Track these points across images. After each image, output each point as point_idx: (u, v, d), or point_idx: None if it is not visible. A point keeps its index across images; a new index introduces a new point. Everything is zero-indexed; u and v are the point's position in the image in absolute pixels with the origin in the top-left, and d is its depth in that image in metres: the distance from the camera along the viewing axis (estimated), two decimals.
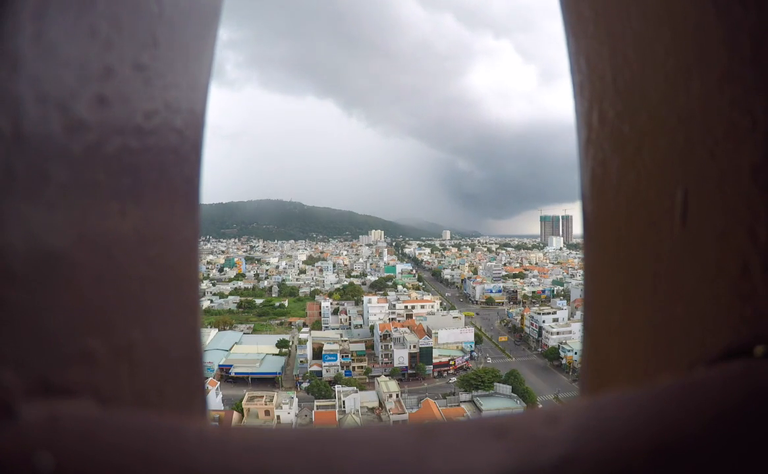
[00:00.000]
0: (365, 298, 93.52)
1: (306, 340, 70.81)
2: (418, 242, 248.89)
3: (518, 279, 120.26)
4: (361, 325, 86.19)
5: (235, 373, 67.76)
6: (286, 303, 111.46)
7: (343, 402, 53.62)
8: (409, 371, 70.98)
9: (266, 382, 66.40)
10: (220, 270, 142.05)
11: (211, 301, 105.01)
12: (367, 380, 66.99)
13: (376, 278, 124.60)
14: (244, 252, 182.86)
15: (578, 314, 67.52)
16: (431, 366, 71.63)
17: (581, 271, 1.11)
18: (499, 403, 54.79)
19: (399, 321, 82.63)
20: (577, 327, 71.49)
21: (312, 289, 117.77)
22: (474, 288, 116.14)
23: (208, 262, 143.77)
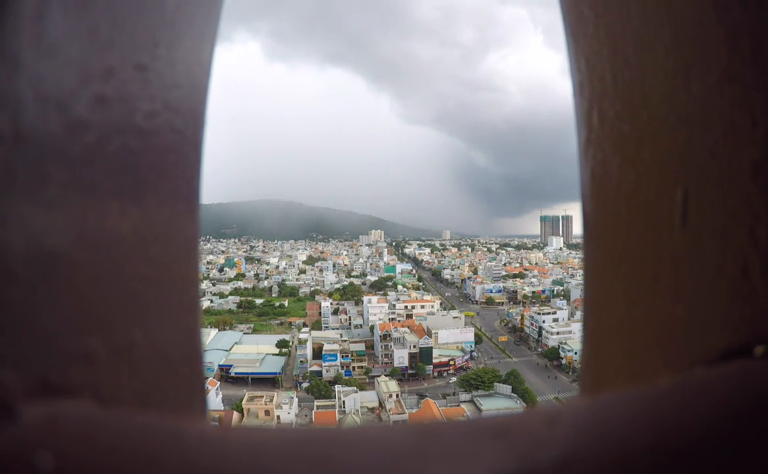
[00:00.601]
0: (365, 298, 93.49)
1: (306, 340, 70.79)
2: (418, 242, 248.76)
3: (518, 279, 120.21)
4: (361, 325, 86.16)
5: (235, 373, 67.73)
6: (286, 303, 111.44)
7: (343, 402, 53.60)
8: (409, 371, 70.97)
9: (266, 382, 66.37)
10: (220, 270, 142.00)
11: (211, 301, 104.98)
12: (367, 380, 66.97)
13: (376, 278, 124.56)
14: (244, 252, 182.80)
15: (578, 314, 67.52)
16: (431, 366, 71.61)
17: (581, 271, 1.11)
18: (499, 403, 54.79)
19: (399, 321, 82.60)
20: (577, 327, 71.47)
21: (312, 289, 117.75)
22: (474, 288, 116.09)
23: (208, 262, 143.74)
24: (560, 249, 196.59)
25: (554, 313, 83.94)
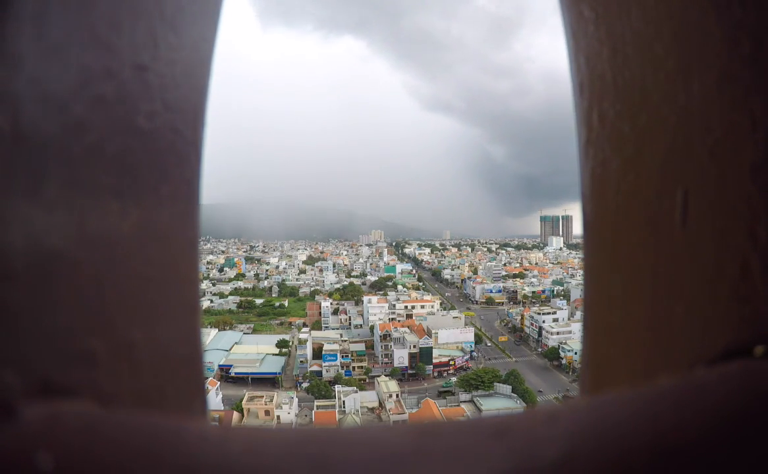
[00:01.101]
0: (365, 298, 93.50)
1: (306, 340, 70.79)
2: (418, 242, 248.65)
3: (518, 279, 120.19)
4: (361, 325, 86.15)
5: (235, 373, 67.72)
6: (286, 303, 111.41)
7: (343, 402, 53.60)
8: (409, 371, 70.96)
9: (266, 382, 66.36)
10: (220, 270, 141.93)
11: (211, 301, 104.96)
12: (367, 380, 66.98)
13: (376, 278, 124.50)
14: (244, 252, 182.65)
15: (578, 314, 67.52)
16: (431, 366, 71.60)
17: (581, 271, 1.11)
18: (499, 403, 54.78)
19: (399, 321, 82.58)
20: (577, 327, 71.50)
21: (312, 289, 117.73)
22: (474, 288, 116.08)
23: (208, 262, 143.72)
24: (560, 249, 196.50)
25: (554, 313, 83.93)
